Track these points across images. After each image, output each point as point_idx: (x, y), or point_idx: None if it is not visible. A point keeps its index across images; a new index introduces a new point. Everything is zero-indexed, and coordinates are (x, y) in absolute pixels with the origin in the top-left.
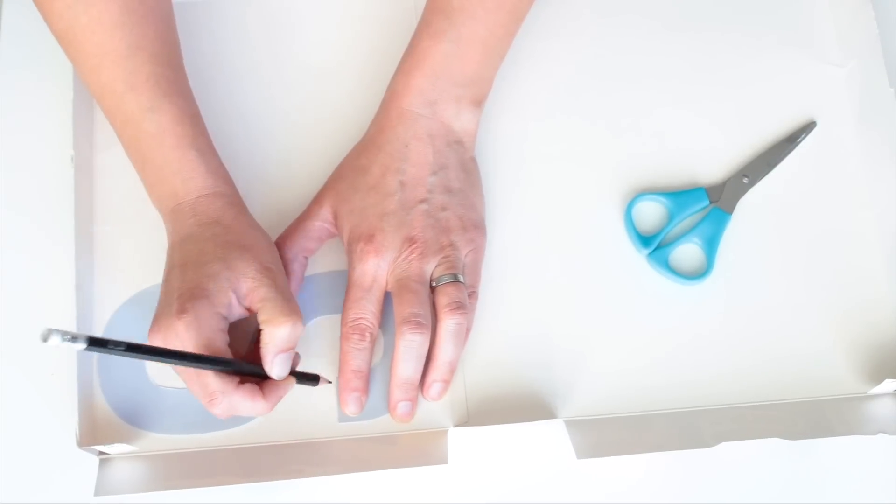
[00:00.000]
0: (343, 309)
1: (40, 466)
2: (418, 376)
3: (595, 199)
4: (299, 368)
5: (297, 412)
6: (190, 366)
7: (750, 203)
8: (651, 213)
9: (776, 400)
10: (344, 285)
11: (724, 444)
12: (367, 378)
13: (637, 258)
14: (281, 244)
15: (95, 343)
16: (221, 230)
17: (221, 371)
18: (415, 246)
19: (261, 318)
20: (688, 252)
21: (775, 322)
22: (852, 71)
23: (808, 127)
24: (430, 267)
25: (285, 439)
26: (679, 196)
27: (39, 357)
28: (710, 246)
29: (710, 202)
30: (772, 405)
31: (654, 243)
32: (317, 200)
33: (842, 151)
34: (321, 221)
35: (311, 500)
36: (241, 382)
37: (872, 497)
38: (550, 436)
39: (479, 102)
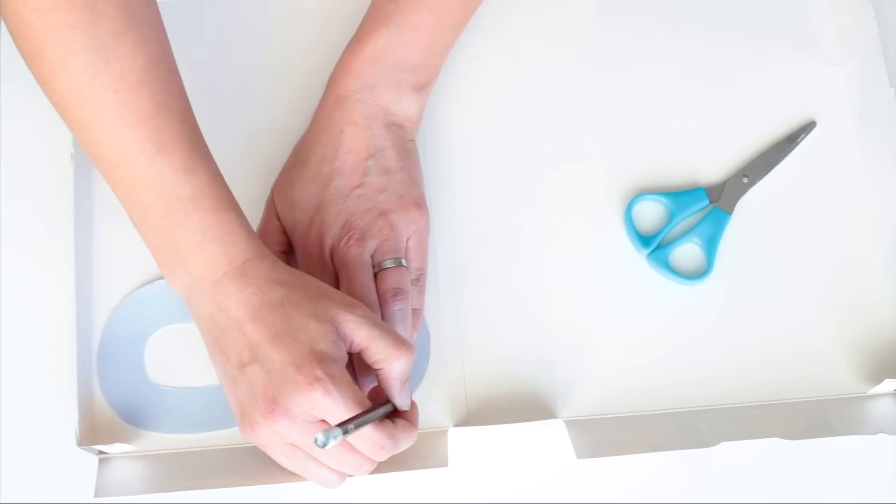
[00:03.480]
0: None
1: (40, 466)
2: None
3: (595, 198)
4: None
5: None
6: (368, 422)
7: (750, 203)
8: (651, 212)
9: (776, 400)
10: None
11: (724, 444)
12: None
13: (637, 258)
14: None
15: (342, 427)
16: (288, 290)
17: (379, 420)
18: (352, 232)
19: (373, 357)
20: (688, 252)
21: (775, 322)
22: (852, 71)
23: (807, 127)
24: (370, 251)
25: None
26: (679, 196)
27: (39, 357)
28: (710, 246)
29: (710, 202)
30: (772, 405)
31: (653, 243)
32: (267, 201)
33: (842, 151)
34: (271, 222)
35: (312, 500)
36: (394, 422)
37: (872, 497)
38: (550, 436)
39: (421, 88)
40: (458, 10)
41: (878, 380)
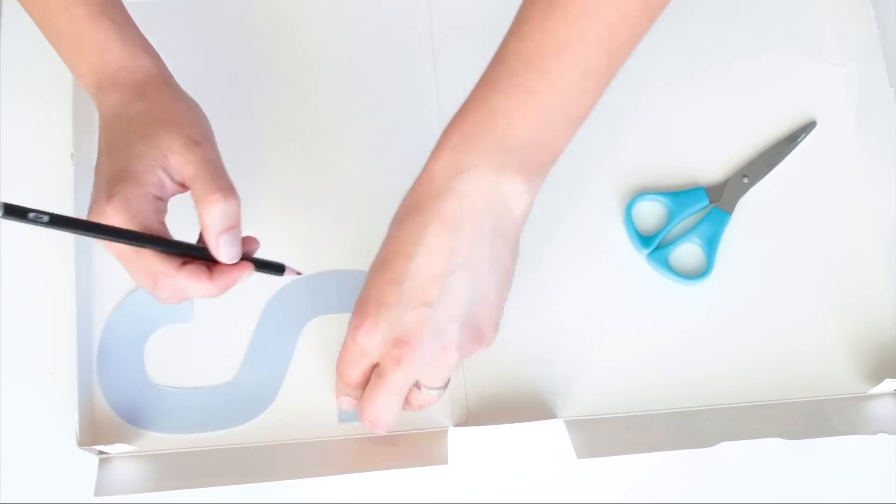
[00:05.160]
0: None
1: (40, 466)
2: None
3: (595, 198)
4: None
5: (297, 412)
6: (124, 242)
7: (750, 203)
8: (651, 212)
9: (776, 399)
10: (345, 285)
11: (724, 444)
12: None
13: (637, 258)
14: None
15: (12, 211)
16: (146, 106)
17: (163, 252)
18: (403, 351)
19: (194, 197)
20: (688, 252)
21: (775, 321)
22: (852, 71)
23: (807, 127)
24: (414, 377)
25: (285, 439)
26: (679, 196)
27: (39, 357)
28: (710, 246)
29: (710, 202)
30: (772, 405)
31: (654, 243)
32: None
33: (841, 151)
34: None
35: (312, 500)
36: (185, 264)
37: (872, 497)
38: (550, 435)
39: (530, 174)
40: (578, 72)
41: (878, 379)
